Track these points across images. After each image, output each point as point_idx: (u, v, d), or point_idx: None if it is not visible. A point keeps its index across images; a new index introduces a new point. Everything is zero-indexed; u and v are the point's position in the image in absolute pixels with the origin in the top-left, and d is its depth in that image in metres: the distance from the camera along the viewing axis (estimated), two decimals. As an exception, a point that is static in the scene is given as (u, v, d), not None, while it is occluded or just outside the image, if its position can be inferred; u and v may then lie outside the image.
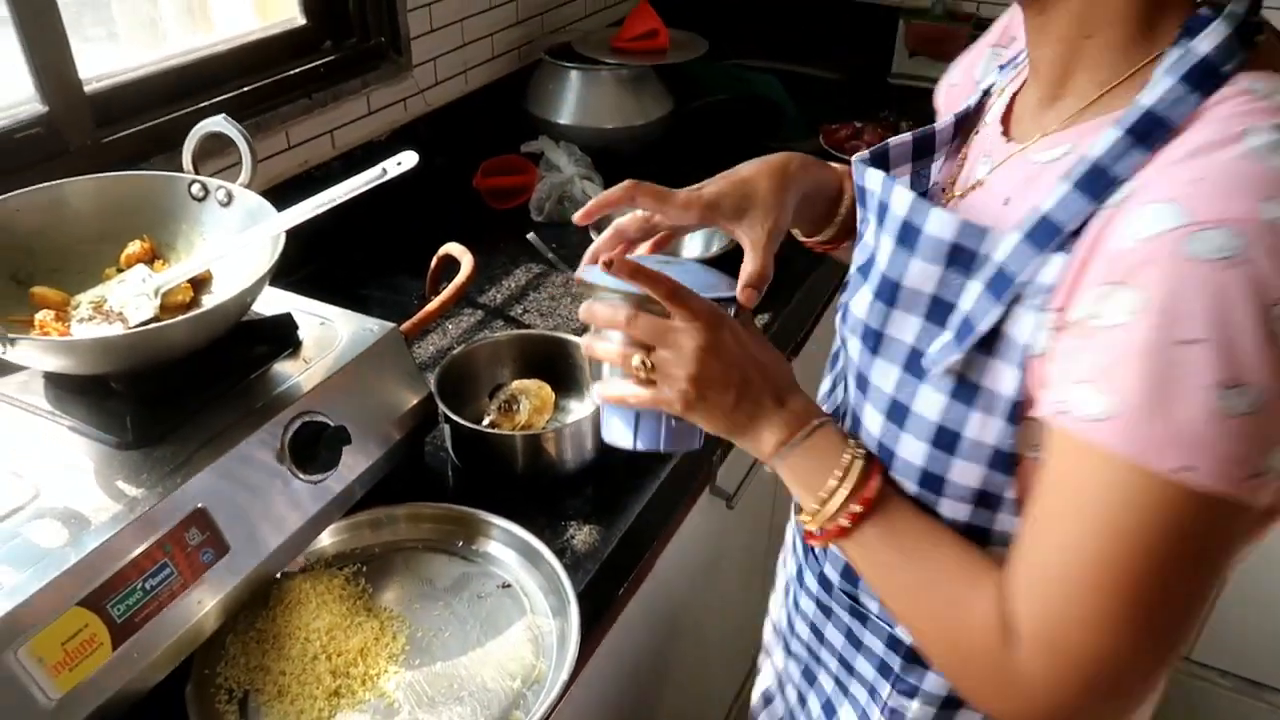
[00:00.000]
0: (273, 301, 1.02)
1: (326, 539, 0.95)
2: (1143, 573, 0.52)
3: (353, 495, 0.94)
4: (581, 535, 0.99)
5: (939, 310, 0.62)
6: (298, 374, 0.93)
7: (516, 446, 1.02)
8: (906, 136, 0.74)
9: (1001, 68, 0.77)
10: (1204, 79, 0.52)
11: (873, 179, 0.68)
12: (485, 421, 1.05)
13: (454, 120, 1.69)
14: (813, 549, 0.83)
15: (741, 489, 1.31)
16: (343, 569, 0.92)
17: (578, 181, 1.60)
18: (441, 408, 1.03)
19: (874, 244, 0.68)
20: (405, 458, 1.01)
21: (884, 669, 0.78)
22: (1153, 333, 0.49)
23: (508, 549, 0.94)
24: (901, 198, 0.63)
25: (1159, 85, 0.53)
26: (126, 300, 0.91)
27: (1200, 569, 0.53)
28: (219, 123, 1.00)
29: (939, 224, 0.60)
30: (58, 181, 0.96)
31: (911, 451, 0.65)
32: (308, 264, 1.19)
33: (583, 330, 0.96)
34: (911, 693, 0.77)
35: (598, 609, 0.92)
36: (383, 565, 0.94)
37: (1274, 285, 0.47)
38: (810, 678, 0.91)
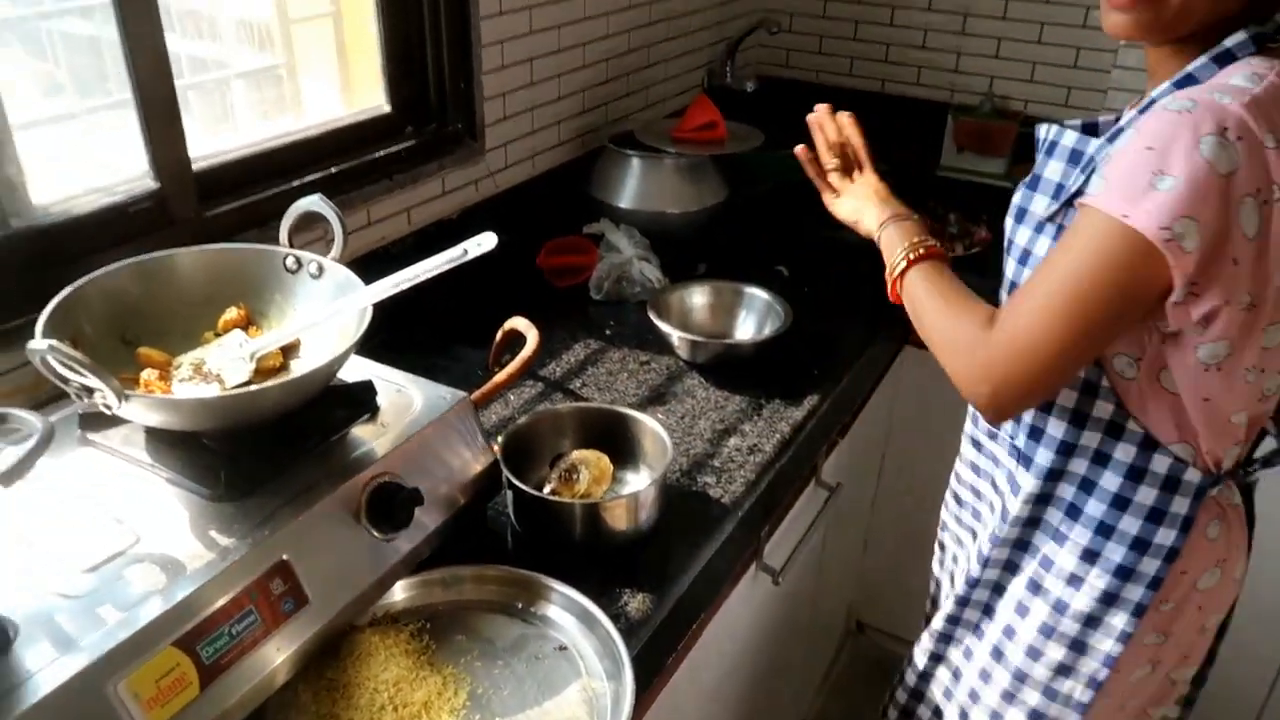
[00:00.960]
0: (353, 368, 1.09)
1: (395, 595, 0.99)
2: (1077, 280, 0.85)
3: (421, 554, 0.99)
4: (635, 602, 1.02)
5: (1058, 190, 0.98)
6: (376, 437, 1.00)
7: (576, 514, 1.06)
8: (1078, 121, 1.05)
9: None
10: (1224, 59, 0.88)
11: (1043, 129, 1.04)
12: (547, 489, 1.10)
13: (521, 201, 1.78)
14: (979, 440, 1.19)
15: (788, 566, 1.34)
16: (409, 625, 0.96)
17: (636, 263, 1.68)
18: (506, 474, 1.08)
19: (1038, 168, 1.03)
20: (470, 520, 1.06)
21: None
22: (1132, 144, 0.84)
23: (565, 613, 0.98)
24: (1054, 130, 1.02)
25: (1197, 62, 0.89)
26: (224, 363, 0.99)
27: (1113, 290, 0.85)
28: (315, 202, 1.08)
29: (1069, 138, 0.99)
30: (168, 252, 1.05)
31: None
32: (379, 332, 1.26)
33: (642, 404, 1.33)
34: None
35: (649, 674, 0.95)
36: (447, 623, 0.98)
37: (1202, 125, 0.80)
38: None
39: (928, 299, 1.03)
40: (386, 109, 1.55)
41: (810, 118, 1.27)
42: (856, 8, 2.41)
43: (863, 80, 2.48)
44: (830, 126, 1.25)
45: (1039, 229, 1.00)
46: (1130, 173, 0.82)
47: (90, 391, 0.83)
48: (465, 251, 0.99)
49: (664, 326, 1.45)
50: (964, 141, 2.27)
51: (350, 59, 1.60)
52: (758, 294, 1.57)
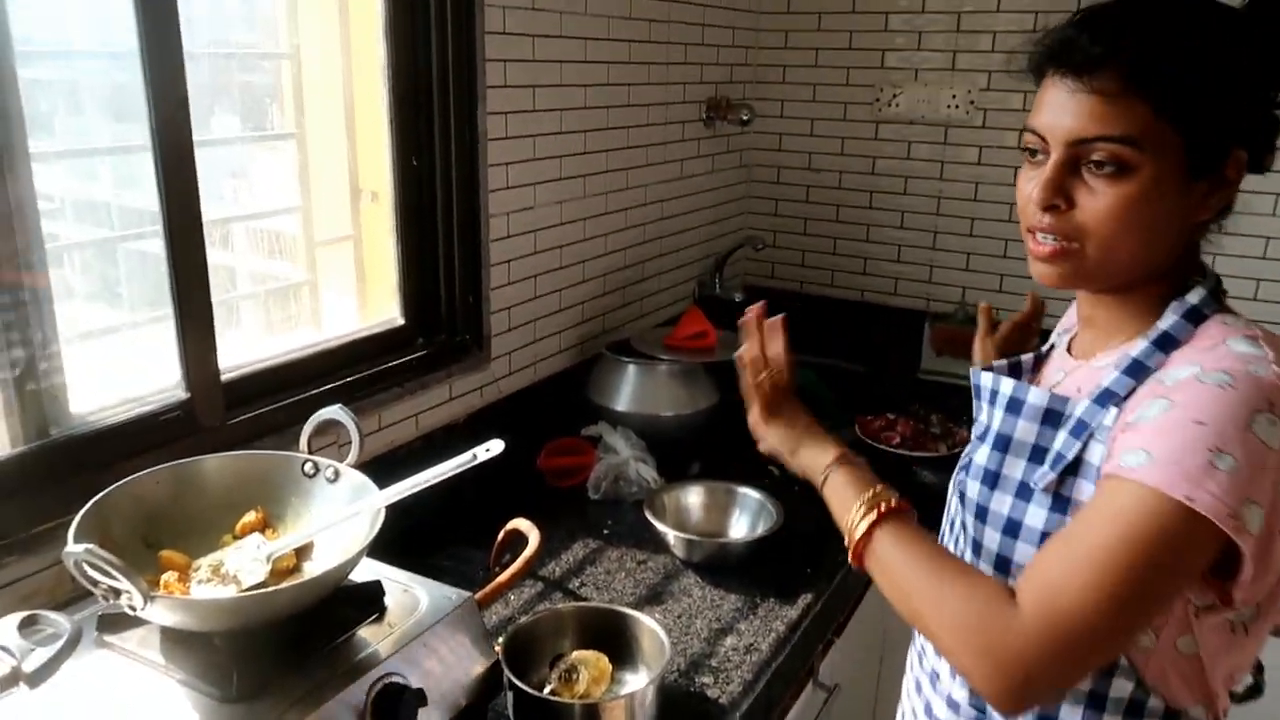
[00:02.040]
0: (360, 567, 1.13)
1: (395, 801, 0.99)
2: (1131, 561, 0.78)
3: (422, 757, 1.00)
4: (635, 808, 1.02)
5: (1037, 454, 0.93)
6: (382, 637, 1.03)
7: (575, 715, 1.08)
8: (1004, 362, 1.06)
9: (1058, 333, 1.13)
10: (1194, 316, 0.88)
11: (986, 379, 1.01)
12: (547, 690, 1.12)
13: (523, 406, 1.87)
14: (935, 683, 1.04)
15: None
16: (408, 832, 0.96)
17: (633, 463, 1.75)
18: (508, 674, 1.10)
19: (987, 420, 0.99)
20: (470, 722, 1.07)
21: None
22: (1175, 417, 0.80)
23: (565, 819, 0.98)
24: (1008, 384, 0.97)
25: (1169, 319, 0.88)
26: (242, 565, 1.03)
27: (1168, 573, 0.79)
28: (335, 412, 1.16)
29: (1037, 396, 0.94)
30: (196, 459, 1.12)
31: (1023, 554, 0.92)
32: (383, 533, 1.31)
33: (639, 603, 1.35)
34: None
35: None
36: (445, 830, 0.97)
37: (1252, 402, 0.78)
38: None
39: (912, 571, 0.90)
40: (400, 321, 1.67)
41: (741, 321, 1.16)
42: (835, 225, 2.61)
43: (843, 290, 2.65)
44: (756, 337, 1.13)
45: (1027, 497, 0.92)
46: (1184, 450, 0.77)
47: (118, 593, 0.88)
48: (474, 456, 1.06)
49: (660, 526, 1.50)
50: (942, 346, 2.40)
51: (368, 276, 1.74)
52: (750, 494, 1.63)
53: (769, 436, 1.11)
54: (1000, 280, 2.44)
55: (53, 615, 0.88)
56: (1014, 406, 0.95)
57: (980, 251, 2.46)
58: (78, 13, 1.24)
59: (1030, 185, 0.90)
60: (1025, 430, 0.94)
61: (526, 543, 1.35)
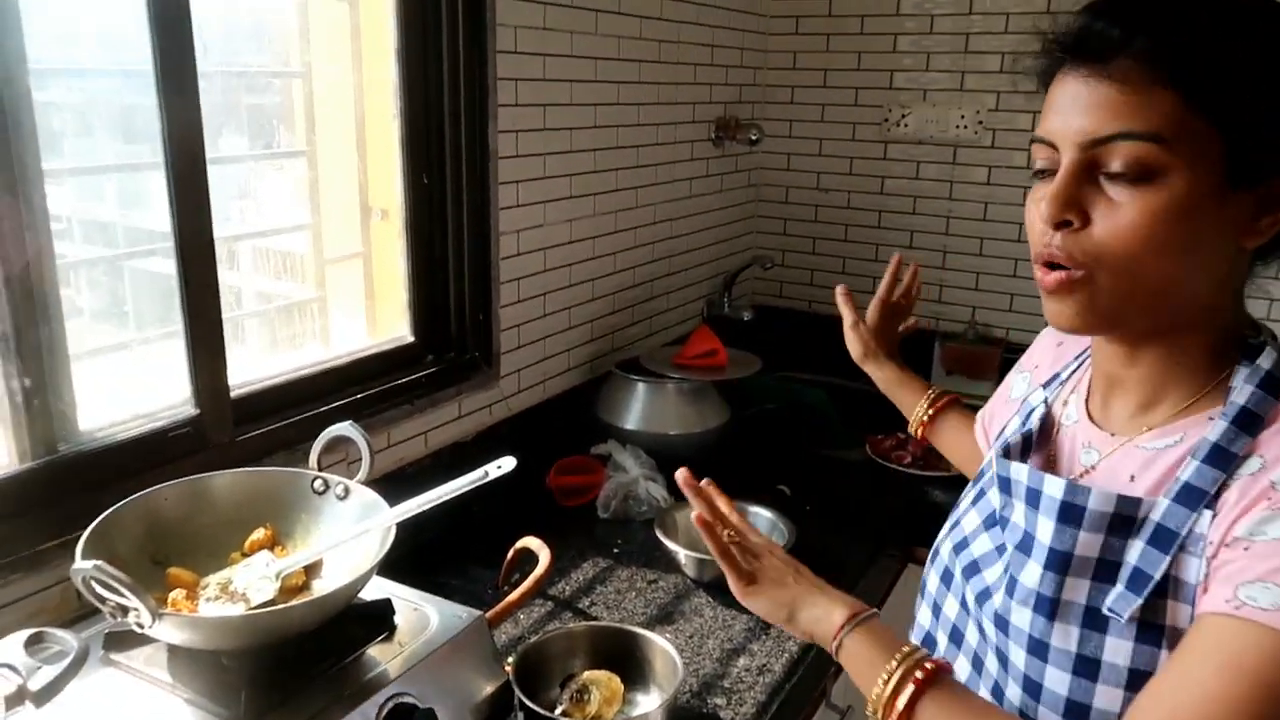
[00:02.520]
0: (369, 585, 1.12)
1: (404, 824, 0.97)
2: (1263, 711, 0.63)
3: (432, 779, 0.98)
4: (647, 832, 1.00)
5: (1105, 570, 0.76)
6: (391, 656, 1.02)
7: (587, 737, 1.06)
8: (1017, 437, 0.91)
9: (1046, 385, 0.97)
10: (1274, 387, 0.74)
11: (1019, 471, 0.84)
12: (558, 711, 1.10)
13: (532, 424, 1.86)
14: None
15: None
16: None
17: (642, 482, 1.73)
18: (518, 694, 1.08)
19: (1026, 524, 0.82)
20: (480, 744, 1.06)
21: None
22: None
23: (576, 843, 0.96)
24: (1055, 484, 0.79)
25: (1244, 391, 0.74)
26: (250, 582, 1.02)
27: None
28: (346, 428, 1.16)
29: (1100, 500, 0.76)
30: (204, 475, 1.11)
31: (1106, 699, 0.74)
32: (391, 550, 1.30)
33: (650, 623, 1.34)
34: None
35: None
36: None
37: None
38: None
39: None
40: (410, 339, 1.66)
41: (680, 483, 1.01)
42: (844, 245, 2.61)
43: (852, 309, 2.64)
44: (699, 498, 0.97)
45: (1101, 627, 0.75)
46: None
47: (125, 611, 0.87)
48: (486, 474, 1.05)
49: (671, 545, 1.49)
50: (952, 366, 2.39)
51: (377, 293, 1.74)
52: (761, 513, 1.61)
53: (756, 606, 0.92)
54: (1010, 299, 2.43)
55: (59, 633, 0.87)
56: (1070, 515, 0.77)
57: (990, 271, 2.45)
58: (88, 32, 1.25)
59: (1034, 211, 0.77)
60: (1088, 544, 0.76)
61: (536, 561, 1.34)
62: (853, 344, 1.40)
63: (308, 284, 1.71)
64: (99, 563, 0.84)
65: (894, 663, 0.80)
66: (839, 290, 1.37)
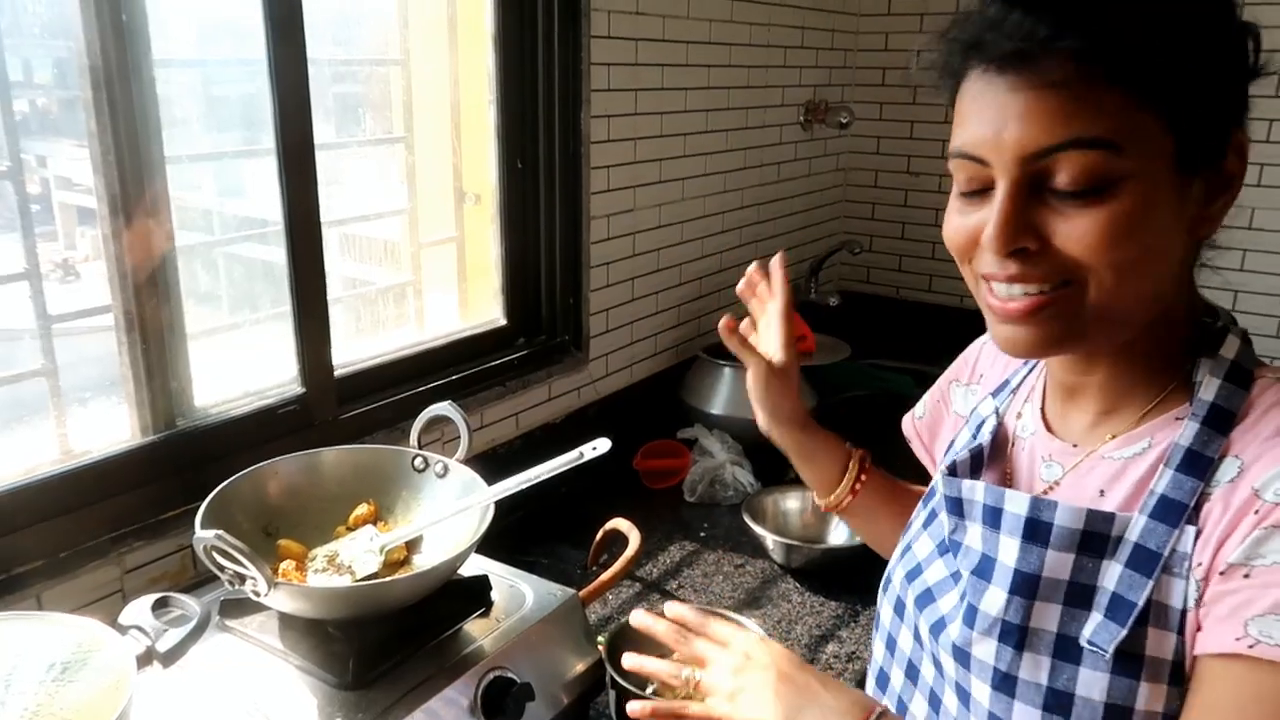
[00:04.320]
0: (467, 563, 1.15)
1: (501, 793, 1.00)
2: None
3: (526, 753, 1.01)
4: (737, 814, 1.01)
5: (1077, 595, 0.68)
6: (489, 631, 1.04)
7: (679, 717, 1.07)
8: (965, 454, 0.82)
9: (995, 394, 0.88)
10: (1240, 378, 0.67)
11: (973, 490, 0.76)
12: (650, 690, 1.12)
13: (620, 407, 1.88)
14: None
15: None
16: (514, 825, 0.97)
17: (729, 467, 1.74)
18: (610, 672, 1.10)
19: (984, 546, 0.74)
20: (572, 720, 1.08)
21: None
22: None
23: (668, 820, 0.97)
24: (1018, 500, 0.72)
25: (1211, 386, 0.67)
26: (356, 555, 1.06)
27: None
28: (445, 408, 1.19)
29: (1068, 515, 0.68)
30: (313, 451, 1.15)
31: None
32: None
33: (738, 607, 1.31)
34: None
35: None
36: (550, 825, 0.98)
37: None
38: None
39: None
40: (503, 322, 1.70)
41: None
42: (934, 230, 2.56)
43: (942, 296, 2.59)
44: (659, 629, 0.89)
45: (1074, 658, 0.68)
46: None
47: (242, 579, 0.91)
48: (581, 455, 1.06)
49: (759, 530, 1.49)
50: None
51: (470, 277, 1.77)
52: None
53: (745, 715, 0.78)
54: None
55: (183, 598, 0.91)
56: (1036, 532, 0.69)
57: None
58: (197, 23, 1.29)
59: (969, 222, 0.68)
60: (1057, 565, 0.69)
61: (624, 542, 1.36)
62: (766, 399, 1.05)
63: (403, 268, 1.76)
64: (220, 532, 0.88)
65: None
66: (723, 325, 1.04)
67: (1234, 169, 0.66)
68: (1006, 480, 0.81)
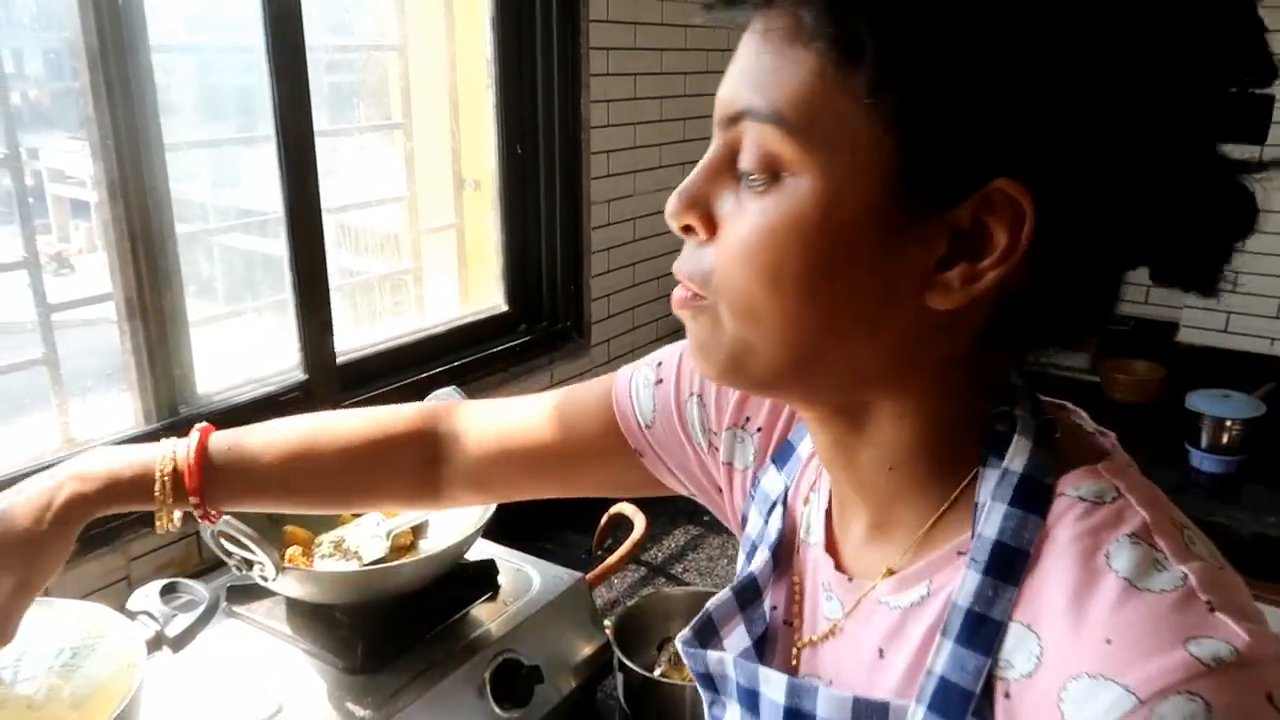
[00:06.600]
0: (474, 547, 1.15)
1: (511, 776, 1.00)
2: None
3: (535, 736, 1.01)
4: (747, 793, 1.01)
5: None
6: (496, 615, 1.04)
7: (688, 697, 1.07)
8: (726, 594, 0.61)
9: (778, 459, 0.65)
10: (1033, 498, 0.47)
11: (723, 664, 0.58)
12: (657, 672, 1.12)
13: (621, 393, 1.87)
14: None
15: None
16: (524, 807, 0.97)
17: (732, 451, 1.74)
18: (618, 655, 1.10)
19: None
20: (580, 703, 1.08)
21: None
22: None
23: (678, 801, 0.98)
24: (776, 684, 0.54)
25: (994, 515, 0.48)
26: (362, 541, 1.06)
27: None
28: (450, 393, 1.18)
29: (832, 706, 0.52)
30: (317, 437, 1.15)
31: None
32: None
33: None
34: None
35: None
36: (560, 807, 0.98)
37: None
38: None
39: None
40: (504, 308, 1.69)
41: None
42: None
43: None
44: None
45: None
46: None
47: (250, 564, 0.91)
48: (587, 439, 1.06)
49: (763, 514, 1.49)
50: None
51: (470, 264, 1.76)
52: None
53: None
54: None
55: (191, 583, 0.91)
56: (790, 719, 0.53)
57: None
58: (194, 9, 1.28)
59: None
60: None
61: (629, 527, 1.36)
62: None
63: (403, 255, 1.75)
64: (227, 517, 0.88)
65: None
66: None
67: (992, 228, 0.44)
68: (795, 598, 0.61)
